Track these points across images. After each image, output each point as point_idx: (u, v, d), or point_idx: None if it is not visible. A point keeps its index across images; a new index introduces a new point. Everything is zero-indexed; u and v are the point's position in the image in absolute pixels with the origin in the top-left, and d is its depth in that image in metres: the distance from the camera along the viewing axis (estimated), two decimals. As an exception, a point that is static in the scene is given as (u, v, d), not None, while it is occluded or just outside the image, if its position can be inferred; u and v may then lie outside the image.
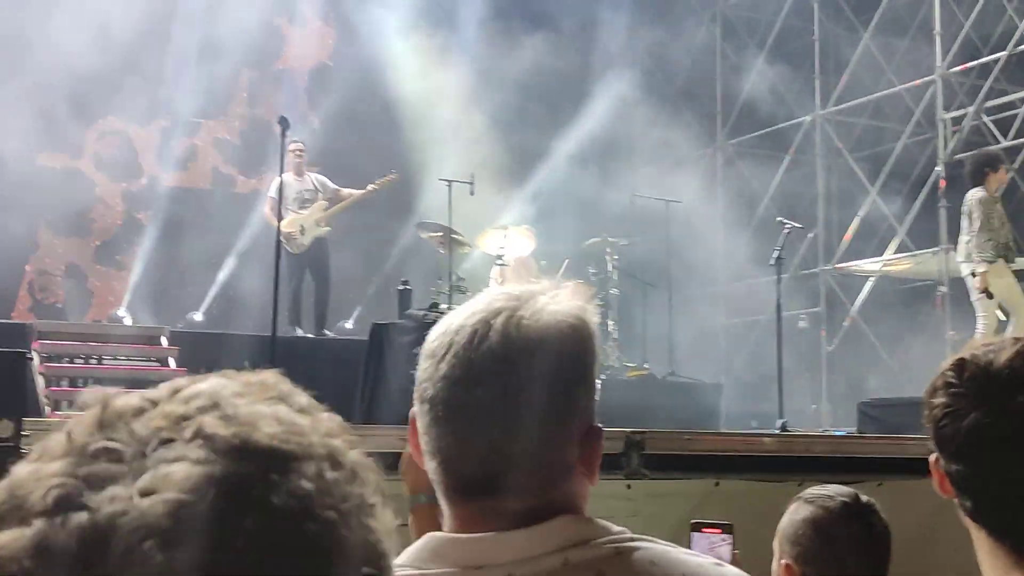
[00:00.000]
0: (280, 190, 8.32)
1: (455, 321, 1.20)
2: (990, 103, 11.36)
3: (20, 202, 10.39)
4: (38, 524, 0.55)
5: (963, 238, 8.26)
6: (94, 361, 8.12)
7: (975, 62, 11.63)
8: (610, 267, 9.91)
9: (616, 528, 1.19)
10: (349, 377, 8.17)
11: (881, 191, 12.12)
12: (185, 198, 11.54)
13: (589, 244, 10.04)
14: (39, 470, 0.58)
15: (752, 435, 6.80)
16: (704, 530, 2.44)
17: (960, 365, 1.45)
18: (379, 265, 11.63)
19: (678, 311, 10.89)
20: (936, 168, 11.44)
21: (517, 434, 1.15)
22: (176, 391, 0.62)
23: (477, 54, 11.96)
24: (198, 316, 11.04)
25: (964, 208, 8.27)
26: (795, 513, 2.45)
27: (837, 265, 12.48)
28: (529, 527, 1.16)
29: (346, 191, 9.82)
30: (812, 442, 6.03)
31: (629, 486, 4.78)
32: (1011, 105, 11.39)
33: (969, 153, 9.75)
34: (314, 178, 9.81)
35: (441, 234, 9.13)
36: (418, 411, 1.20)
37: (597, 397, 1.24)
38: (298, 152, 9.62)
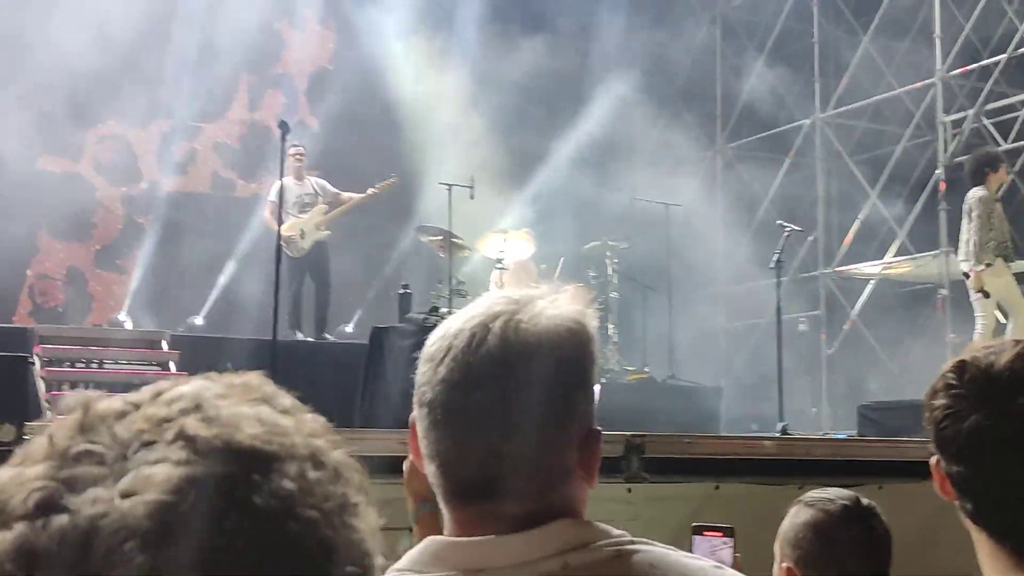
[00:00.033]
0: (280, 194, 8.33)
1: (454, 325, 1.20)
2: (990, 106, 11.36)
3: (20, 206, 10.40)
4: (19, 528, 0.55)
5: (963, 236, 8.26)
6: (95, 365, 8.13)
7: (975, 65, 11.63)
8: (610, 270, 9.91)
9: (616, 531, 1.19)
10: (349, 381, 8.17)
11: (881, 194, 12.12)
12: (185, 202, 11.54)
13: (589, 248, 10.05)
14: (20, 474, 0.58)
15: (752, 438, 6.81)
16: (705, 533, 2.45)
17: (961, 367, 1.45)
18: (379, 269, 11.63)
19: (678, 314, 10.89)
20: (936, 171, 11.44)
21: (515, 437, 1.15)
22: (158, 394, 0.63)
23: (477, 57, 11.97)
24: (199, 320, 11.03)
25: (965, 207, 8.26)
26: (796, 516, 2.44)
27: (837, 268, 12.47)
28: (528, 531, 1.16)
29: (346, 195, 9.82)
30: (812, 445, 6.03)
31: (629, 490, 4.77)
32: (1011, 108, 11.39)
33: (969, 156, 9.75)
34: (314, 182, 9.81)
35: (441, 238, 9.13)
36: (417, 415, 1.21)
37: (596, 400, 1.23)
38: (298, 156, 9.62)
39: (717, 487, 4.98)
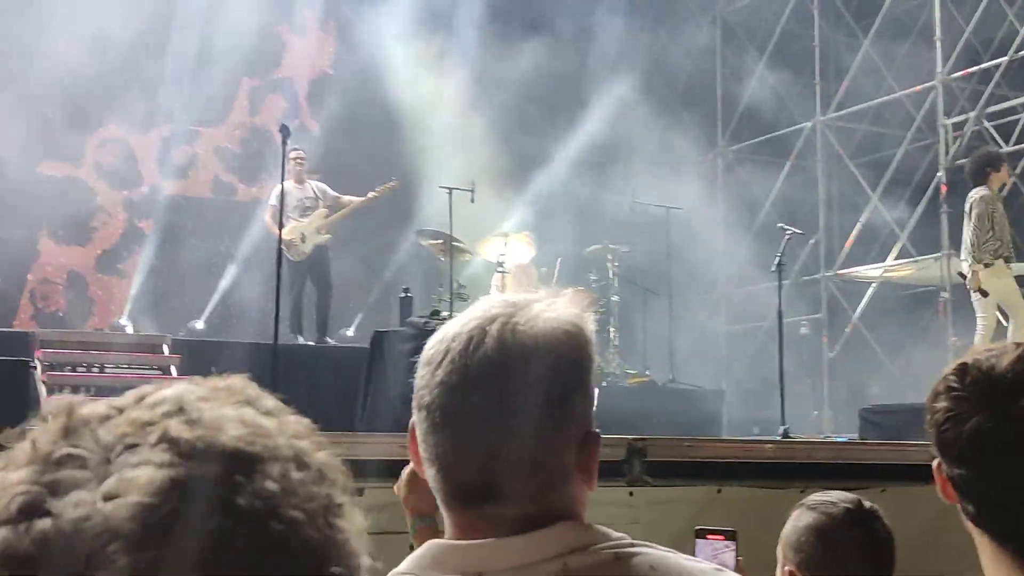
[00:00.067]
0: (281, 198, 8.33)
1: (452, 329, 1.21)
2: (991, 108, 11.37)
3: (21, 210, 10.41)
4: (2, 532, 0.56)
5: (965, 236, 8.24)
6: (96, 369, 8.12)
7: (976, 67, 11.63)
8: (611, 274, 9.92)
9: (615, 534, 1.19)
10: (350, 384, 8.18)
11: (882, 197, 12.12)
12: (186, 206, 11.56)
13: (590, 251, 10.05)
14: (3, 479, 0.58)
15: (754, 442, 6.80)
16: (708, 536, 2.45)
17: (962, 369, 1.45)
18: (380, 272, 11.63)
19: (679, 317, 10.90)
20: (937, 174, 11.44)
21: (513, 439, 1.15)
22: (142, 398, 0.63)
23: (476, 59, 11.97)
24: (199, 324, 11.04)
25: (966, 207, 8.24)
26: (798, 520, 2.44)
27: (838, 271, 12.48)
28: (528, 533, 1.16)
29: (347, 198, 9.83)
30: (814, 448, 6.03)
31: (631, 493, 4.77)
32: (1012, 111, 11.39)
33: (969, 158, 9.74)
34: (315, 186, 9.82)
35: (441, 241, 9.13)
36: (416, 419, 1.21)
37: (595, 403, 1.23)
38: (299, 160, 9.63)
39: (719, 490, 4.98)
